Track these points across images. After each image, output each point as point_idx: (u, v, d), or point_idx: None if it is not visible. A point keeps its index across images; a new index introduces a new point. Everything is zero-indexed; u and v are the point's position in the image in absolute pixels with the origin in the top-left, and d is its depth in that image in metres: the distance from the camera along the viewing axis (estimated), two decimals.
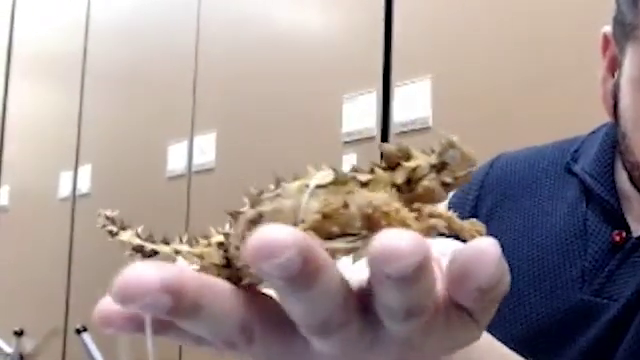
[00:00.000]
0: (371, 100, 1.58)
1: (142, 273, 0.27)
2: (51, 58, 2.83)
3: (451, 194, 0.38)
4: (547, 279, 0.73)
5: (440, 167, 0.31)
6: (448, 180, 0.31)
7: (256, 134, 1.89)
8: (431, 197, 0.31)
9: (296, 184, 0.30)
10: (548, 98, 1.29)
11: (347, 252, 0.29)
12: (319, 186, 0.30)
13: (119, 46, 2.47)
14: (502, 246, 0.29)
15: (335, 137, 1.63)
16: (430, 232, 0.30)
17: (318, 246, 0.27)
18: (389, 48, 1.57)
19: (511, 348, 0.50)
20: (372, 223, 0.29)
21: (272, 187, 0.31)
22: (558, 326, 0.71)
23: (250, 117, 1.92)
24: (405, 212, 0.29)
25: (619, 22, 0.70)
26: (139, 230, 0.35)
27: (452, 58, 1.47)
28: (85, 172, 2.52)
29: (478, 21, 1.44)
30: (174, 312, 0.27)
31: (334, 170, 0.30)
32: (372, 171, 0.31)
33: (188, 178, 2.08)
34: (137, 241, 0.34)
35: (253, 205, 0.31)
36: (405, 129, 1.49)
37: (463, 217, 0.31)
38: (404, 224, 0.29)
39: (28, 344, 2.70)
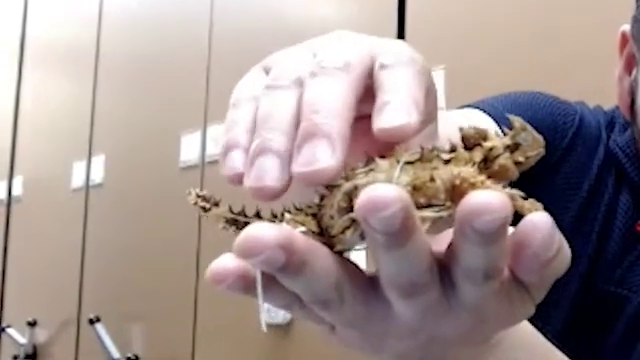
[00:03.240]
0: None
1: (261, 231, 0.31)
2: (64, 49, 2.83)
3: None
4: (579, 264, 0.70)
5: (513, 148, 0.35)
6: (520, 159, 0.35)
7: None
8: (505, 174, 0.34)
9: (387, 160, 0.34)
10: (562, 89, 1.28)
11: (433, 220, 0.33)
12: (408, 162, 0.34)
13: (132, 36, 2.47)
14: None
15: None
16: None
17: (414, 208, 0.30)
18: (402, 39, 1.57)
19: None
20: (459, 193, 0.32)
21: (362, 164, 0.34)
22: (589, 318, 0.70)
23: None
24: (489, 183, 0.33)
25: (639, 21, 0.69)
26: (231, 205, 0.38)
27: (465, 49, 1.46)
28: (98, 162, 2.52)
29: (491, 11, 1.43)
30: (284, 268, 0.31)
31: (421, 148, 0.34)
32: (452, 150, 0.34)
33: (201, 168, 2.08)
34: (230, 215, 0.37)
35: (348, 179, 0.34)
36: None
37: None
38: None
39: (41, 334, 2.71)
